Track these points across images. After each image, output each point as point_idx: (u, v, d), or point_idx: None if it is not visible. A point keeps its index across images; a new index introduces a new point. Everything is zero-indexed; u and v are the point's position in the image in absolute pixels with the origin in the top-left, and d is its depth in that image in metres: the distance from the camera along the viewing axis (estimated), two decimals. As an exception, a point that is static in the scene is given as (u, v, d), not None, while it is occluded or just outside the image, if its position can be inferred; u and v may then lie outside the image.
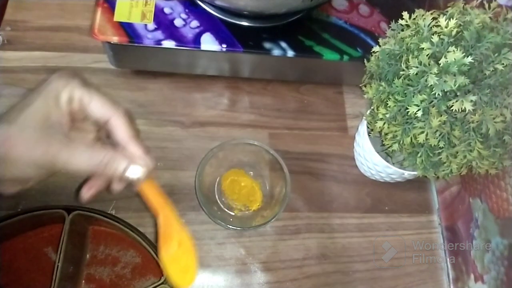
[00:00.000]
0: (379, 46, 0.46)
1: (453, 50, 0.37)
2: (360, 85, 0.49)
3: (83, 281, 0.52)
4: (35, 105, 0.34)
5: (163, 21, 0.55)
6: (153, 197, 0.37)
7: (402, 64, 0.42)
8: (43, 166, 0.33)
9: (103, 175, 0.35)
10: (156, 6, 0.56)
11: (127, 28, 0.54)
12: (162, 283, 0.49)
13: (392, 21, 0.46)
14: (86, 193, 0.38)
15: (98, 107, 0.35)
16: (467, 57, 0.37)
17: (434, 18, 0.41)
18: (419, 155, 0.45)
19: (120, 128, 0.36)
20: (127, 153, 0.36)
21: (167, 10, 0.56)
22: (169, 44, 0.55)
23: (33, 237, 0.52)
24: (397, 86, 0.42)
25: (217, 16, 0.57)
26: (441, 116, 0.40)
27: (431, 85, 0.38)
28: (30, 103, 0.34)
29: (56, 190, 0.56)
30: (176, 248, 0.39)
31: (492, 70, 0.39)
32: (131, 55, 0.58)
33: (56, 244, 0.49)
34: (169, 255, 0.39)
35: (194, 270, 0.39)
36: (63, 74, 0.35)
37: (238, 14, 0.56)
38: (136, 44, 0.54)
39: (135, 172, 0.35)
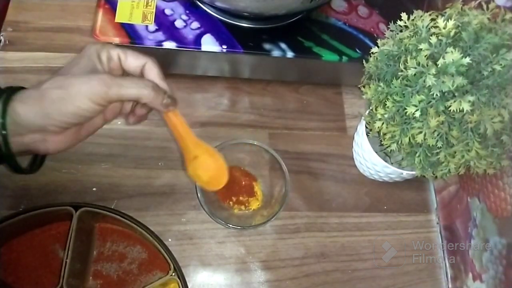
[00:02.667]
0: (378, 47, 0.46)
1: (451, 51, 0.37)
2: (359, 86, 0.49)
3: (91, 278, 0.52)
4: (82, 63, 0.39)
5: (164, 22, 0.56)
6: (178, 125, 0.44)
7: (400, 65, 0.42)
8: (98, 98, 0.37)
9: (148, 101, 0.40)
10: (157, 7, 0.56)
11: (128, 29, 0.55)
12: (169, 278, 0.50)
13: (390, 22, 0.46)
14: (131, 119, 0.45)
15: (133, 59, 0.41)
16: (465, 57, 0.37)
17: (432, 19, 0.41)
18: (417, 155, 0.45)
19: (153, 71, 0.42)
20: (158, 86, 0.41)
21: (168, 11, 0.57)
22: (170, 45, 0.55)
23: (40, 235, 0.52)
24: (395, 87, 0.42)
25: (217, 18, 0.57)
26: (439, 116, 0.40)
27: (429, 85, 0.38)
28: (77, 63, 0.39)
29: (58, 190, 0.56)
30: (202, 158, 0.46)
31: (490, 71, 0.39)
32: (132, 55, 0.58)
33: (63, 241, 0.49)
34: (195, 167, 0.46)
35: (224, 172, 0.48)
36: (96, 43, 0.41)
37: (238, 16, 0.57)
38: (137, 45, 0.55)
39: (168, 101, 0.41)
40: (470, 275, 0.54)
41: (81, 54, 0.40)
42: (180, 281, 0.50)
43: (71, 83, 0.37)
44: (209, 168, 0.47)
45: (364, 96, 0.47)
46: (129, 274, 0.53)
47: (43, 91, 0.37)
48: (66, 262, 0.47)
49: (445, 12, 0.42)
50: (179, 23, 0.56)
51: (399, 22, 0.44)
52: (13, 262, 0.51)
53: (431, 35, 0.40)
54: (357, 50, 0.58)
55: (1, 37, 0.64)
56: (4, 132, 0.36)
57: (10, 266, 0.51)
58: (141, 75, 0.42)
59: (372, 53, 0.46)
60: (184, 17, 0.57)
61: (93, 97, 0.37)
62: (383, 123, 0.45)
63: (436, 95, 0.38)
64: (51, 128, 0.37)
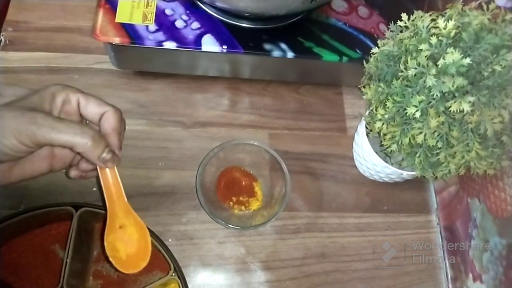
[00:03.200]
0: (378, 47, 0.46)
1: (452, 52, 0.37)
2: (359, 86, 0.49)
3: (91, 278, 0.52)
4: (32, 98, 0.36)
5: (164, 23, 0.56)
6: (112, 185, 0.41)
7: (400, 65, 0.42)
8: (25, 140, 0.34)
9: (83, 151, 0.36)
10: (157, 8, 0.56)
11: (128, 29, 0.55)
12: (169, 278, 0.50)
13: (391, 23, 0.46)
14: (73, 172, 0.42)
15: (95, 106, 0.39)
16: (466, 58, 0.37)
17: (432, 20, 0.41)
18: (417, 155, 0.45)
19: (109, 120, 0.39)
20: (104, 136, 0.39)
21: (168, 12, 0.57)
22: (170, 45, 0.55)
23: (40, 235, 0.52)
24: (395, 87, 0.42)
25: (217, 18, 0.57)
26: (439, 116, 0.40)
27: (430, 86, 0.38)
28: (27, 96, 0.36)
29: (58, 190, 0.56)
30: (128, 230, 0.41)
31: (491, 71, 0.39)
32: (132, 56, 0.58)
33: (64, 241, 0.49)
34: (116, 237, 0.41)
35: (147, 255, 0.42)
36: (59, 84, 0.38)
37: (239, 16, 0.57)
38: (137, 45, 0.55)
39: (108, 157, 0.38)
40: (470, 275, 0.54)
41: (37, 91, 0.37)
42: (180, 281, 0.50)
43: (2, 115, 0.34)
44: (132, 243, 0.42)
45: (364, 97, 0.47)
46: (129, 274, 0.52)
47: None
48: (66, 262, 0.47)
49: (445, 13, 0.42)
50: (179, 23, 0.56)
51: (399, 23, 0.44)
52: (13, 262, 0.51)
53: (432, 36, 0.40)
54: (357, 51, 0.58)
55: (2, 37, 0.64)
56: None
57: (10, 266, 0.51)
58: (98, 124, 0.40)
59: (372, 53, 0.46)
60: (185, 17, 0.57)
61: (18, 135, 0.33)
62: (383, 124, 0.45)
63: (436, 95, 0.38)
64: None
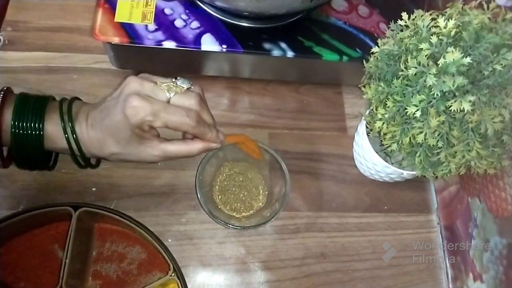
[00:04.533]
0: (378, 46, 0.46)
1: (452, 51, 0.37)
2: (359, 86, 0.49)
3: (90, 278, 0.52)
4: (128, 134, 0.42)
5: (163, 22, 0.56)
6: (248, 149, 0.52)
7: (401, 65, 0.42)
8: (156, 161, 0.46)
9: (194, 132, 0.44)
10: (156, 7, 0.56)
11: (127, 29, 0.54)
12: (168, 278, 0.50)
13: (391, 22, 0.46)
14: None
15: (176, 127, 0.42)
16: (466, 57, 0.37)
17: (433, 19, 0.41)
18: (418, 155, 0.45)
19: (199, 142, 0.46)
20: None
21: (167, 11, 0.57)
22: (169, 44, 0.55)
23: (39, 235, 0.52)
24: (396, 87, 0.42)
25: (217, 17, 0.57)
26: (439, 116, 0.40)
27: (430, 85, 0.38)
28: (122, 129, 0.42)
29: (57, 190, 0.56)
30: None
31: (491, 71, 0.39)
32: (132, 55, 0.58)
33: (63, 242, 0.49)
34: None
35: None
36: (142, 100, 0.40)
37: (238, 15, 0.56)
38: (136, 45, 0.54)
39: (217, 137, 0.47)
40: (471, 275, 0.54)
41: (121, 105, 0.41)
42: (180, 281, 0.49)
43: (127, 156, 0.44)
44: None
45: (364, 96, 0.47)
46: (128, 275, 0.52)
47: (104, 151, 0.44)
48: (65, 262, 0.47)
49: (446, 12, 0.42)
50: (178, 23, 0.56)
51: (399, 22, 0.44)
52: (13, 262, 0.51)
53: (432, 35, 0.39)
54: (358, 50, 0.58)
55: (1, 36, 0.64)
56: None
57: (9, 266, 0.51)
58: None
59: (372, 52, 0.46)
60: (184, 16, 0.56)
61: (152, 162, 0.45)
62: (383, 123, 0.45)
63: (437, 95, 0.38)
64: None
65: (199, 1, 0.57)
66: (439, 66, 0.38)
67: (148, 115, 0.40)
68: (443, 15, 0.42)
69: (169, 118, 0.41)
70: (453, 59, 0.37)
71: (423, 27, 0.41)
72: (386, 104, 0.43)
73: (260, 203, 0.58)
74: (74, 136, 0.43)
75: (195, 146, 0.45)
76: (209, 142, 0.46)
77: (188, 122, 0.42)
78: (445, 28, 0.39)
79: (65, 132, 0.43)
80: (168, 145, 0.44)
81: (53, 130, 0.43)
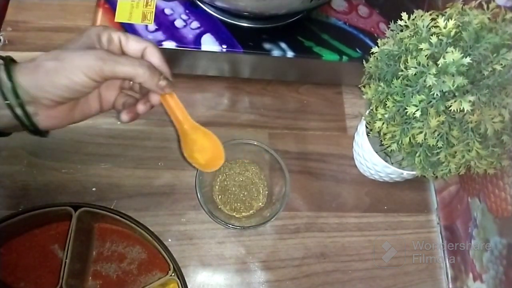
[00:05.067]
0: (378, 46, 0.46)
1: (452, 51, 0.37)
2: (359, 86, 0.49)
3: (90, 278, 0.52)
4: (81, 40, 0.39)
5: (163, 22, 0.56)
6: (175, 108, 0.45)
7: (401, 65, 0.42)
8: (91, 72, 0.37)
9: (143, 80, 0.40)
10: (156, 7, 0.56)
11: (128, 29, 0.55)
12: (168, 278, 0.50)
13: (391, 22, 0.46)
14: (125, 116, 0.44)
15: (135, 42, 0.41)
16: (466, 57, 0.37)
17: (433, 19, 0.41)
18: (417, 155, 0.45)
19: (155, 54, 0.42)
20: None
21: (167, 11, 0.57)
22: (169, 45, 0.55)
23: (39, 235, 0.52)
24: (396, 87, 0.42)
25: (217, 17, 0.57)
26: (439, 116, 0.40)
27: (430, 85, 0.38)
28: (76, 40, 0.39)
29: (57, 190, 0.56)
30: (197, 141, 0.47)
31: (491, 71, 0.39)
32: (131, 55, 0.58)
33: (63, 242, 0.49)
34: (192, 150, 0.47)
35: (221, 154, 0.47)
36: (98, 25, 0.43)
37: (238, 15, 0.57)
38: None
39: (164, 83, 0.42)
40: (471, 275, 0.54)
41: (81, 34, 0.40)
42: (180, 281, 0.49)
43: (66, 56, 0.37)
44: (206, 150, 0.48)
45: (364, 96, 0.47)
46: (128, 274, 0.53)
47: (38, 62, 0.37)
48: (65, 262, 0.47)
49: (446, 12, 0.42)
50: (178, 23, 0.56)
51: (399, 22, 0.44)
52: (13, 262, 0.51)
53: (432, 35, 0.39)
54: (358, 50, 0.58)
55: (1, 36, 0.64)
56: (19, 100, 0.36)
57: (9, 266, 0.51)
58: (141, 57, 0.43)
59: (372, 52, 0.46)
60: (184, 16, 0.57)
61: (87, 71, 0.37)
62: (383, 123, 0.45)
63: (437, 95, 0.38)
64: (44, 100, 0.37)
65: (199, 1, 0.57)
66: (439, 66, 0.38)
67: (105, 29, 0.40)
68: (443, 15, 0.42)
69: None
70: (453, 59, 0.37)
71: (423, 27, 0.41)
72: (386, 104, 0.43)
73: (260, 203, 0.58)
74: (3, 64, 0.36)
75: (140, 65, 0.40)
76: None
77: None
78: (445, 28, 0.39)
79: None
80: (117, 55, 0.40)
81: None
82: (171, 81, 0.43)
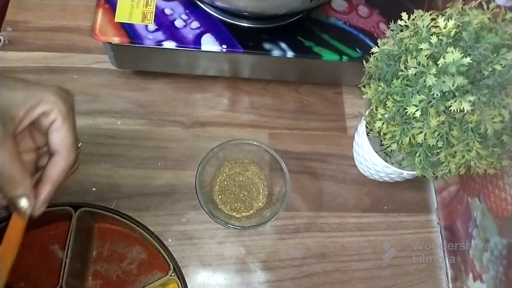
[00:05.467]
0: (378, 46, 0.46)
1: (452, 51, 0.37)
2: (359, 86, 0.49)
3: (90, 278, 0.52)
4: (16, 94, 0.33)
5: (163, 22, 0.56)
6: (11, 233, 0.36)
7: (401, 65, 0.42)
8: None
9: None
10: (156, 7, 0.56)
11: (128, 29, 0.55)
12: (168, 278, 0.50)
13: (391, 22, 0.46)
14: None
15: (59, 138, 0.35)
16: (466, 57, 0.37)
17: (433, 19, 0.41)
18: (417, 155, 0.45)
19: (56, 168, 0.36)
20: (35, 187, 0.35)
21: (167, 11, 0.57)
22: (169, 45, 0.55)
23: (39, 235, 0.52)
24: (396, 87, 0.42)
25: (217, 17, 0.57)
26: (439, 116, 0.40)
27: (430, 85, 0.38)
28: (15, 88, 0.34)
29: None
30: None
31: (491, 71, 0.39)
32: (132, 55, 0.58)
33: (63, 242, 0.49)
34: None
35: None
36: (63, 90, 0.36)
37: (238, 15, 0.56)
38: (137, 45, 0.54)
39: (24, 204, 0.34)
40: (471, 275, 0.54)
41: (36, 84, 0.35)
42: (180, 281, 0.49)
43: None
44: None
45: (364, 96, 0.47)
46: (128, 274, 0.52)
47: None
48: (65, 262, 0.47)
49: (446, 12, 0.42)
50: (179, 23, 0.56)
51: (399, 22, 0.44)
52: (12, 263, 0.51)
53: (432, 35, 0.39)
54: (358, 50, 0.58)
55: (1, 36, 0.64)
56: None
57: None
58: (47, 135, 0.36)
59: (372, 52, 0.46)
60: (184, 16, 0.57)
61: None
62: (383, 123, 0.45)
63: (437, 95, 0.38)
64: None
65: (199, 1, 0.57)
66: (439, 66, 0.38)
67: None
68: (443, 15, 0.42)
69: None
70: (453, 59, 0.37)
71: (423, 27, 0.41)
72: (386, 104, 0.43)
73: (260, 203, 0.58)
74: None
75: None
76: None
77: None
78: (445, 28, 0.39)
79: None
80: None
81: None
82: (33, 206, 0.35)
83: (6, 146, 0.32)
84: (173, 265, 0.50)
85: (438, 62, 0.38)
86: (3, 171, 0.32)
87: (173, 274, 0.50)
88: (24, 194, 0.33)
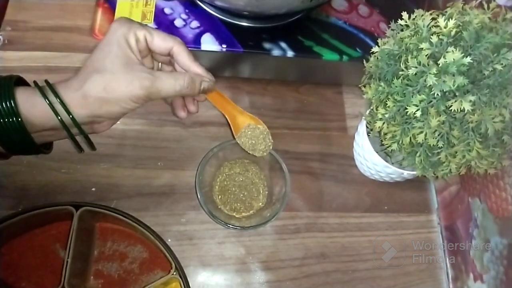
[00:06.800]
0: (379, 46, 0.46)
1: (452, 50, 0.37)
2: (360, 85, 0.49)
3: (92, 277, 0.52)
4: (113, 52, 0.40)
5: (163, 21, 0.56)
6: (219, 101, 0.48)
7: (401, 64, 0.42)
8: (139, 99, 0.40)
9: (185, 94, 0.43)
10: (156, 7, 0.56)
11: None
12: (170, 277, 0.50)
13: (391, 22, 0.46)
14: (181, 113, 0.48)
15: (160, 40, 0.42)
16: (466, 57, 0.37)
17: (433, 19, 0.41)
18: (418, 154, 0.45)
19: (182, 53, 0.43)
20: (193, 73, 0.44)
21: (167, 11, 0.56)
22: (169, 44, 0.55)
23: (41, 235, 0.52)
24: (396, 86, 0.42)
25: (217, 17, 0.57)
26: (440, 116, 0.40)
27: (430, 85, 0.38)
28: (108, 52, 0.40)
29: (57, 190, 0.56)
30: (247, 128, 0.51)
31: (491, 70, 0.39)
32: (131, 55, 0.58)
33: (64, 241, 0.49)
34: (243, 136, 0.51)
35: (269, 139, 0.52)
36: (122, 22, 0.41)
37: (238, 15, 0.56)
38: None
39: (206, 86, 0.44)
40: (471, 275, 0.54)
41: (108, 39, 0.41)
42: (182, 280, 0.49)
43: (113, 88, 0.39)
44: (255, 135, 0.52)
45: (364, 96, 0.47)
46: (130, 274, 0.52)
47: (87, 93, 0.39)
48: (67, 262, 0.47)
49: (446, 11, 0.42)
50: (178, 22, 0.56)
51: (400, 21, 0.44)
52: (14, 262, 0.51)
53: (432, 35, 0.39)
54: (358, 50, 0.58)
55: (0, 36, 0.64)
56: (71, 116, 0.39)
57: (10, 266, 0.50)
58: (168, 55, 0.44)
59: (372, 52, 0.46)
60: (184, 16, 0.56)
61: (136, 99, 0.40)
62: (383, 123, 0.45)
63: (437, 94, 0.38)
64: (98, 122, 0.42)
65: (199, 1, 0.57)
66: (440, 66, 0.38)
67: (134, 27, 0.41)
68: (443, 14, 0.42)
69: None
70: (454, 59, 0.37)
71: (424, 26, 0.41)
72: (386, 104, 0.43)
73: (260, 203, 0.58)
74: (59, 100, 0.38)
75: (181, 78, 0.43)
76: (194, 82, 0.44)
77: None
78: (445, 27, 0.39)
79: (45, 97, 0.38)
80: (156, 73, 0.41)
81: (30, 106, 0.38)
82: (210, 79, 0.45)
83: (163, 80, 0.41)
84: (175, 264, 0.50)
85: (438, 62, 0.38)
86: (181, 90, 0.42)
87: (175, 273, 0.50)
88: (200, 82, 0.44)
